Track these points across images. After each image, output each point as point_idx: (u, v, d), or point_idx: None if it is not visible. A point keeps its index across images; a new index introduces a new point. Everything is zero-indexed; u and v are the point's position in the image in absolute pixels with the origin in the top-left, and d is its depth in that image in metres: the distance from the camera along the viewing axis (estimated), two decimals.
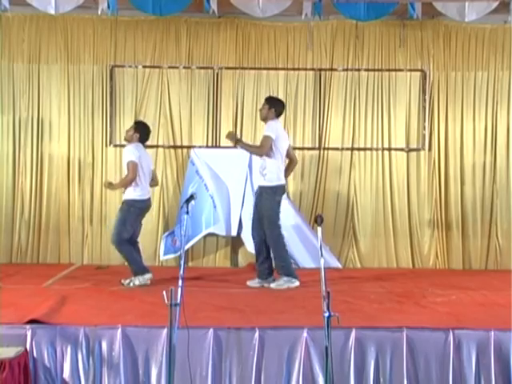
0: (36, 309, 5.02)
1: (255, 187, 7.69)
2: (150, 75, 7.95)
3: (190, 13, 7.52)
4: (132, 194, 6.40)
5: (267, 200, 6.33)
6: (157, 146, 7.93)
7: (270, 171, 6.33)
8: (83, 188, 7.91)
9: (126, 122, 7.91)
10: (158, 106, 7.96)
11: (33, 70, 7.89)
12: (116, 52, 7.92)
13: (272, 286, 6.34)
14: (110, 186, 6.57)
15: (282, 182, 6.43)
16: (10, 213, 7.88)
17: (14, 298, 5.56)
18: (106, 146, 7.93)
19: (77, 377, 4.57)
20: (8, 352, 4.36)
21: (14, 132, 7.91)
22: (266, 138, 6.29)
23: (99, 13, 7.01)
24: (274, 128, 6.35)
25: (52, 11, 6.76)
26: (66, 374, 4.57)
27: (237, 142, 6.49)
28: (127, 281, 6.38)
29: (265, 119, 6.47)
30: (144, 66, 7.94)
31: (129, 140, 6.53)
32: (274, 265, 6.44)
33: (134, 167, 6.33)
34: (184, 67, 7.96)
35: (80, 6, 6.90)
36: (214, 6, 6.98)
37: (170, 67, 7.95)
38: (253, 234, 6.56)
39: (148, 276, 6.41)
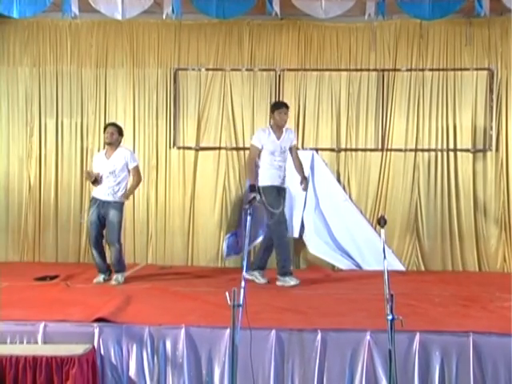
0: (103, 307, 5.15)
1: (317, 189, 7.74)
2: (213, 78, 8.02)
3: (253, 15, 7.54)
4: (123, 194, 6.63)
5: None
6: (219, 148, 8.02)
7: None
8: (148, 190, 8.05)
9: (190, 125, 8.04)
10: (220, 108, 8.02)
11: (100, 74, 8.09)
12: (180, 55, 8.04)
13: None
14: (127, 197, 6.69)
15: None
16: (79, 215, 8.06)
17: (82, 297, 5.73)
18: (170, 147, 8.05)
19: (142, 375, 4.67)
20: (77, 349, 4.50)
21: (81, 135, 8.12)
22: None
23: (164, 17, 7.09)
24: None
25: (119, 17, 6.88)
26: (132, 372, 4.67)
27: (256, 191, 6.45)
28: (118, 278, 6.55)
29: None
30: (207, 69, 8.02)
31: (115, 144, 6.61)
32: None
33: (139, 170, 6.73)
34: (246, 69, 8.00)
35: (145, 11, 7.00)
36: (276, 8, 6.96)
37: (232, 69, 8.01)
38: None
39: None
